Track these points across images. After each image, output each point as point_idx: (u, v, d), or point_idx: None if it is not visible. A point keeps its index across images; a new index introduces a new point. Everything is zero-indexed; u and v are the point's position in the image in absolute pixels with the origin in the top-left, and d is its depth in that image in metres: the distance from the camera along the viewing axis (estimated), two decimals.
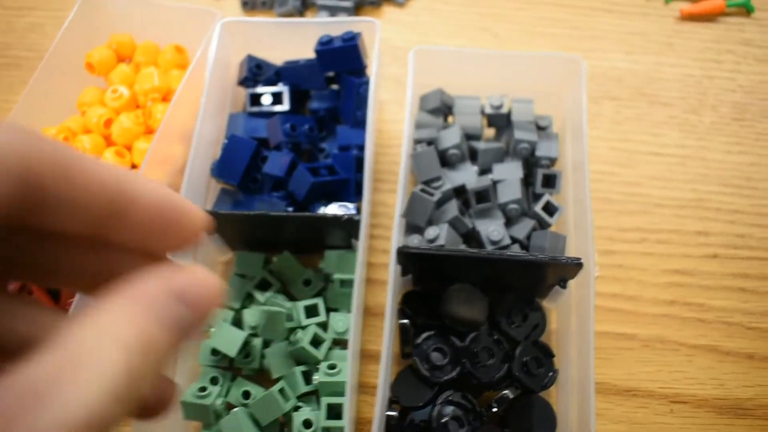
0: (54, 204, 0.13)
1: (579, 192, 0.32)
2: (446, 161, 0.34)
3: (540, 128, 0.35)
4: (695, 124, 0.38)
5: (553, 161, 0.34)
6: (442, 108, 0.35)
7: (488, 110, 0.35)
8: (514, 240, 0.32)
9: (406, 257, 0.30)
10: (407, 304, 0.33)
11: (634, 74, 0.40)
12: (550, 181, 0.33)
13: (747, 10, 0.42)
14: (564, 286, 0.31)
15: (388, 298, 0.29)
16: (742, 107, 0.39)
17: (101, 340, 0.13)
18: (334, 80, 0.37)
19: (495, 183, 0.33)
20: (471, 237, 0.33)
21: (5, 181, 0.12)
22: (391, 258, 0.30)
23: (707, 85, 0.40)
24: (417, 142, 0.34)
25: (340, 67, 0.35)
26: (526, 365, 0.30)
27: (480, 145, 0.35)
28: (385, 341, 0.29)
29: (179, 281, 0.14)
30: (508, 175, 0.33)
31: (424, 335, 0.31)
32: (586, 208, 0.30)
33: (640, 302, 0.34)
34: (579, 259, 0.29)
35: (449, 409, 0.30)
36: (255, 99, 0.36)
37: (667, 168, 0.37)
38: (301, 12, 0.43)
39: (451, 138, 0.34)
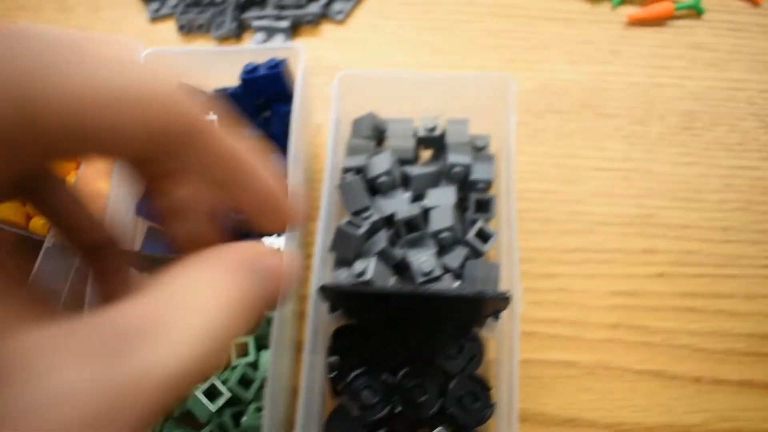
0: (176, 161, 0.14)
1: (510, 216, 0.30)
2: (377, 189, 0.33)
3: (477, 149, 0.34)
4: (642, 135, 0.37)
5: (489, 184, 0.33)
6: (373, 133, 0.34)
7: (421, 133, 0.34)
8: (447, 270, 0.31)
9: (330, 294, 0.29)
10: (339, 340, 0.32)
11: (579, 85, 0.38)
12: (484, 206, 0.32)
13: (697, 12, 0.40)
14: (497, 318, 0.30)
15: (307, 335, 0.28)
16: (692, 115, 0.37)
17: (205, 290, 0.13)
18: (265, 107, 0.36)
19: (427, 210, 0.32)
20: (402, 268, 0.32)
21: (145, 128, 0.13)
22: (311, 295, 0.29)
23: (655, 93, 0.38)
24: (346, 170, 0.33)
25: (267, 94, 0.34)
26: (461, 400, 0.29)
27: (413, 170, 0.33)
28: (304, 380, 0.28)
29: (272, 259, 0.15)
30: (442, 200, 0.32)
31: (354, 373, 0.30)
32: (512, 233, 0.29)
33: (582, 327, 0.33)
34: (506, 293, 0.27)
35: None
36: None
37: (612, 183, 0.36)
38: (237, 35, 0.41)
39: (381, 164, 0.33)
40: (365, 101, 0.35)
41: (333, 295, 0.29)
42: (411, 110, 0.35)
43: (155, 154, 0.14)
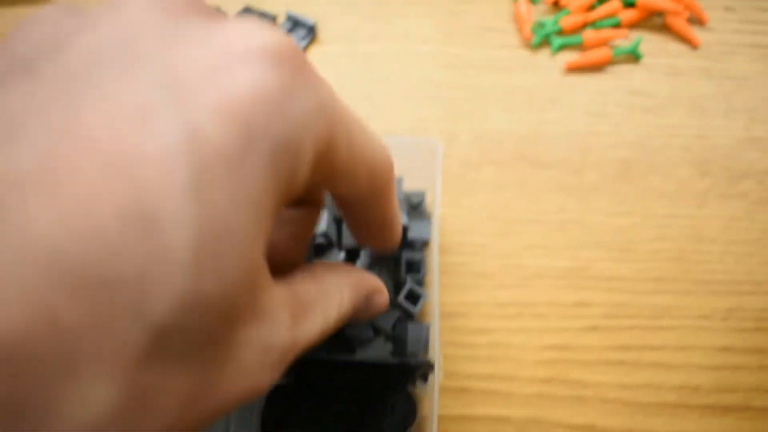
0: (338, 169, 0.16)
1: (433, 276, 0.31)
2: (314, 250, 0.34)
3: (413, 206, 0.35)
4: (576, 185, 0.37)
5: (426, 243, 0.34)
6: None
7: None
8: (378, 331, 0.32)
9: None
10: (274, 401, 0.32)
11: (515, 135, 0.39)
12: (414, 267, 0.33)
13: (635, 57, 0.41)
14: (425, 380, 0.30)
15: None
16: (628, 163, 0.38)
17: (340, 293, 0.19)
18: None
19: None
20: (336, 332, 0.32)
21: (312, 148, 0.14)
22: None
23: (591, 141, 0.39)
24: None
25: None
26: None
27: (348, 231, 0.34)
28: None
29: (381, 296, 0.22)
30: (377, 261, 0.33)
31: None
32: (434, 293, 0.30)
33: (515, 382, 0.33)
34: (429, 361, 0.28)
35: None
36: None
37: (546, 235, 0.36)
38: None
39: (318, 226, 0.33)
40: None
41: None
42: None
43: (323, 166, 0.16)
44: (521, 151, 0.38)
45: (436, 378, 0.28)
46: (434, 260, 0.31)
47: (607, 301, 0.35)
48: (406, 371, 0.30)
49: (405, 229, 0.34)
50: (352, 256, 0.34)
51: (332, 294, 0.18)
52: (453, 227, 0.36)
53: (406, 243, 0.34)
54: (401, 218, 0.32)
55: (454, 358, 0.33)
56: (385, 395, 0.32)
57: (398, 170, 0.35)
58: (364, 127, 0.16)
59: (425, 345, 0.33)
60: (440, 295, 0.35)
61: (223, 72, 0.12)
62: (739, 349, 0.34)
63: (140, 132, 0.11)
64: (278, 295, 0.15)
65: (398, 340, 0.32)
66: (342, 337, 0.33)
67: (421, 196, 0.35)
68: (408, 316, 0.33)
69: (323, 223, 0.34)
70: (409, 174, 0.35)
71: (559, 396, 0.33)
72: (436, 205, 0.31)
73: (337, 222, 0.35)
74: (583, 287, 0.35)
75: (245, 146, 0.12)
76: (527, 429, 0.32)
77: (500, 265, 0.35)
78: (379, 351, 0.32)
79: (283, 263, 0.19)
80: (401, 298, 0.33)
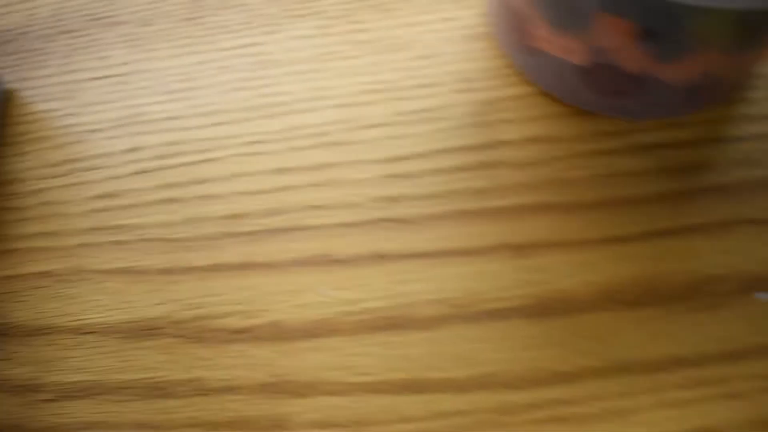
0: None
1: None
2: None
3: None
4: (144, 36, 0.36)
5: None
6: None
7: None
8: None
9: None
10: None
11: (91, 0, 0.38)
12: None
13: None
14: None
15: None
16: (198, 4, 0.36)
17: None
18: None
19: None
20: None
21: None
22: None
23: None
24: None
25: None
26: None
27: None
28: None
29: None
30: None
31: None
32: None
33: (58, 237, 0.32)
34: None
35: None
36: None
37: (106, 90, 0.35)
38: None
39: None
40: None
41: None
42: None
43: None
44: (95, 13, 0.37)
45: None
46: None
47: (158, 143, 0.33)
48: None
49: None
50: None
51: None
52: (21, 101, 0.35)
53: None
54: None
55: (3, 223, 0.33)
56: None
57: None
58: None
59: None
60: None
61: None
62: (291, 170, 0.32)
63: None
64: None
65: None
66: None
67: None
68: None
69: None
70: None
71: (100, 243, 0.32)
72: None
73: None
74: (135, 134, 0.33)
75: None
76: (66, 278, 0.31)
77: (59, 126, 0.34)
78: None
79: None
80: None
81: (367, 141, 0.32)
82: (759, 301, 0.28)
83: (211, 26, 0.35)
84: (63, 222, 0.32)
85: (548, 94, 0.32)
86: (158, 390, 0.29)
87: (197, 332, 0.29)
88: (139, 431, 0.28)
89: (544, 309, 0.28)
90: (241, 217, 0.31)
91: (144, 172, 0.33)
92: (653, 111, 0.30)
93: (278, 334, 0.29)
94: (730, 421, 0.26)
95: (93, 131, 0.34)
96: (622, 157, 0.31)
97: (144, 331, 0.30)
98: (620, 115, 0.31)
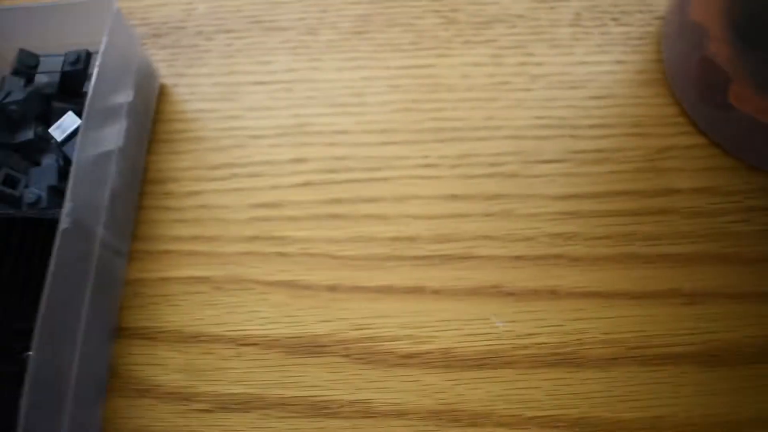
0: None
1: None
2: None
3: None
4: (309, 45, 0.35)
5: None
6: (21, 69, 0.34)
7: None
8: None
9: None
10: None
11: (251, 2, 0.37)
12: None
13: None
14: None
15: None
16: (365, 19, 0.35)
17: None
18: None
19: None
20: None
21: None
22: None
23: (330, 1, 0.36)
24: None
25: None
26: None
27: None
28: None
29: None
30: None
31: None
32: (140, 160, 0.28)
33: (218, 242, 0.31)
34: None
35: None
36: None
37: (270, 96, 0.34)
38: None
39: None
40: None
41: None
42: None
43: None
44: (256, 16, 0.36)
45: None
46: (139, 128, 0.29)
47: (324, 156, 0.32)
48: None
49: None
50: None
51: None
52: (176, 97, 0.35)
53: None
54: None
55: (159, 222, 0.32)
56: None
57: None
58: None
59: None
60: (153, 162, 0.33)
61: None
62: (464, 197, 0.31)
63: None
64: None
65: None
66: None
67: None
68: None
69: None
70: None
71: (263, 253, 0.31)
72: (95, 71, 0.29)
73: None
74: (301, 144, 0.33)
75: None
76: (225, 286, 0.31)
77: (218, 128, 0.34)
78: None
79: None
80: None
81: (541, 176, 0.31)
82: None
83: (380, 43, 0.35)
84: (222, 228, 0.32)
85: (719, 146, 0.32)
86: (322, 409, 0.28)
87: (365, 353, 0.29)
88: None
89: (712, 357, 0.28)
90: (412, 241, 0.31)
91: (309, 184, 0.32)
92: None
93: (449, 361, 0.29)
94: None
95: (255, 137, 0.33)
96: None
97: (309, 347, 0.29)
98: None
